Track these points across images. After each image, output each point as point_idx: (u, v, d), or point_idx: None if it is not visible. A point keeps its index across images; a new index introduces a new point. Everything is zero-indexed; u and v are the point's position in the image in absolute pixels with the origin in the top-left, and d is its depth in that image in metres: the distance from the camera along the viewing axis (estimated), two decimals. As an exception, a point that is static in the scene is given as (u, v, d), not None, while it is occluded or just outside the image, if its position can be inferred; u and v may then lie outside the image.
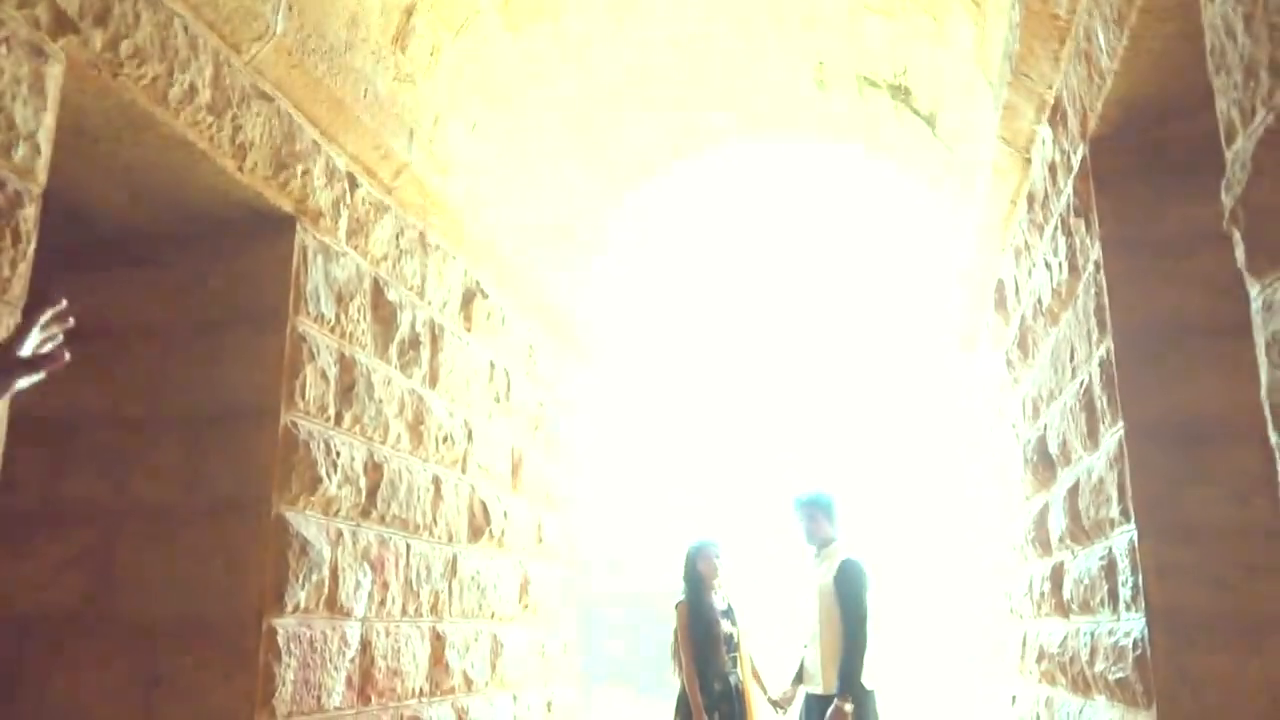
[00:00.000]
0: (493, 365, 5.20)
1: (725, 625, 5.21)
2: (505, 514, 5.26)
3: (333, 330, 3.60)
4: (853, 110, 6.12)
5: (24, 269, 2.28)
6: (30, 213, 2.30)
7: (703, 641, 5.07)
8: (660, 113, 6.23)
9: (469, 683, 4.70)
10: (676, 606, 5.33)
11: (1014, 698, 5.37)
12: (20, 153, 2.28)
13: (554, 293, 6.01)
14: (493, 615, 5.05)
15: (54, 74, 2.40)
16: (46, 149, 2.37)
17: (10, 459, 2.28)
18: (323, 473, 3.46)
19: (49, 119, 2.38)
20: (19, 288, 2.27)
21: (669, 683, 5.23)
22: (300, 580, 3.31)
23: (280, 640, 3.21)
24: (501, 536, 5.20)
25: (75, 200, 3.04)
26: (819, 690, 4.92)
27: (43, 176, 2.36)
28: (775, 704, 5.29)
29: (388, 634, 3.93)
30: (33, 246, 2.31)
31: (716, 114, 6.40)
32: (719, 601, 5.28)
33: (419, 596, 4.22)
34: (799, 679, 5.23)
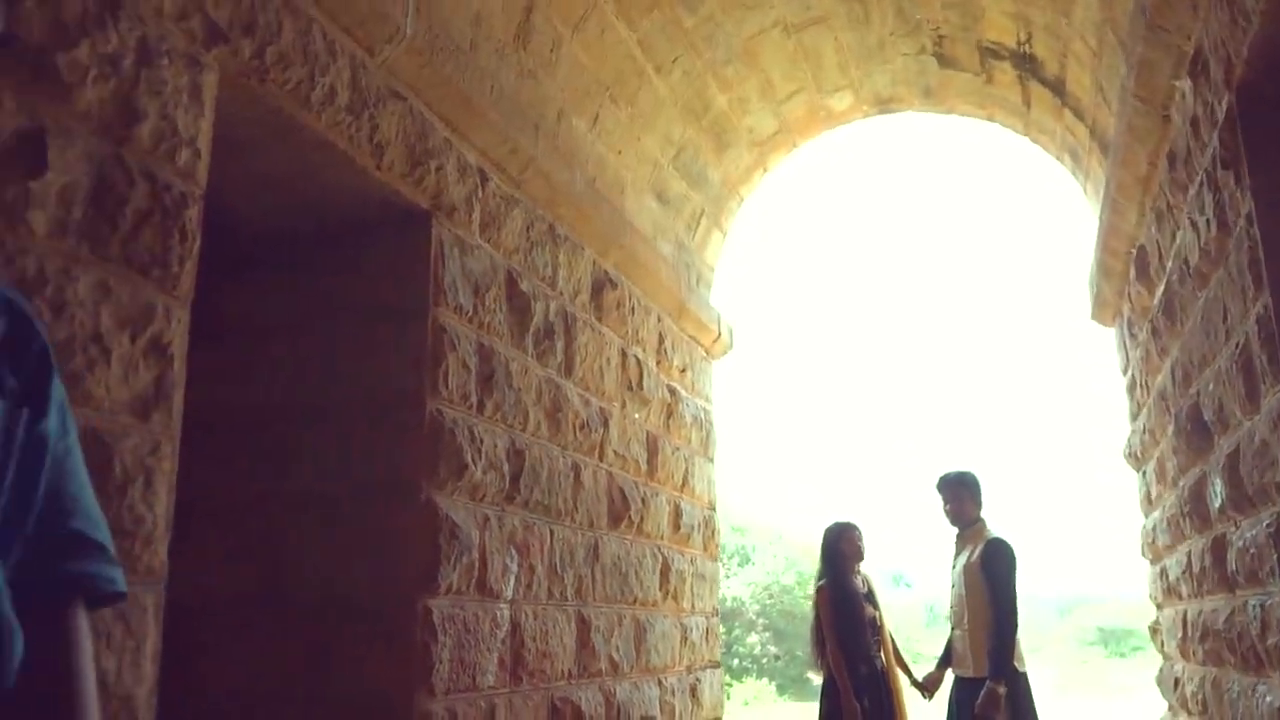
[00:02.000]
0: (624, 354, 5.26)
1: (868, 608, 5.15)
2: (643, 500, 5.31)
3: (471, 321, 3.70)
4: (975, 82, 5.97)
5: (191, 266, 2.42)
6: (194, 213, 2.44)
7: (848, 624, 5.02)
8: (777, 98, 6.20)
9: (615, 666, 4.76)
10: (817, 589, 5.29)
11: (1176, 681, 5.15)
12: (183, 157, 2.42)
13: (682, 280, 6.04)
14: (635, 601, 5.11)
15: (209, 82, 2.53)
16: (206, 153, 2.50)
17: (181, 457, 2.42)
18: (468, 459, 3.56)
19: (206, 125, 2.51)
20: (188, 284, 2.41)
21: (805, 680, 5.19)
22: (451, 563, 3.41)
23: (435, 620, 3.31)
24: (640, 523, 5.25)
25: (225, 206, 3.20)
26: (969, 673, 4.82)
27: (203, 179, 2.49)
28: (920, 687, 5.20)
29: (535, 616, 4.01)
30: (198, 244, 2.45)
31: (834, 95, 6.34)
32: (860, 584, 5.22)
33: (563, 580, 4.30)
34: (946, 661, 5.13)
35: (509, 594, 3.81)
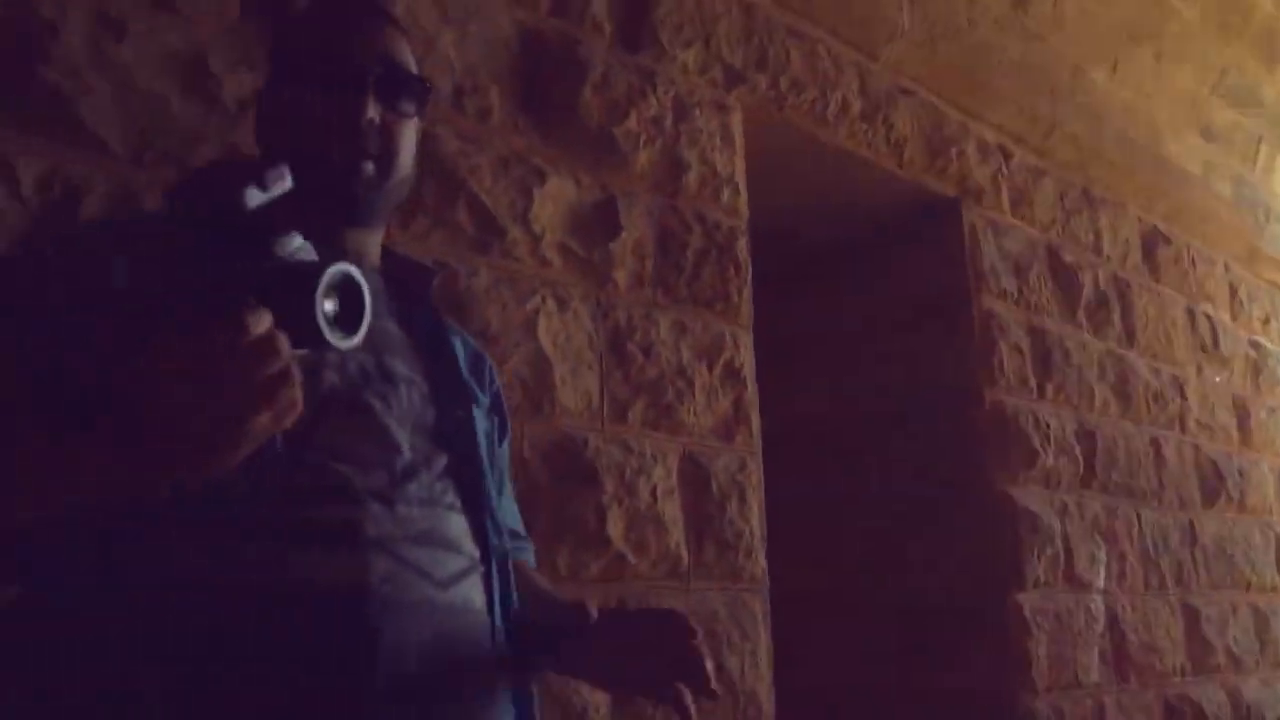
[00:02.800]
0: (1191, 313, 4.72)
1: None
2: (1240, 473, 4.70)
3: (1016, 303, 3.55)
4: None
5: (747, 293, 2.61)
6: (743, 244, 2.63)
7: None
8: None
9: (1235, 661, 4.24)
10: None
11: None
12: (725, 195, 2.62)
13: (1247, 220, 5.29)
14: (1248, 586, 4.52)
15: (736, 121, 2.72)
16: (743, 186, 2.69)
17: (767, 470, 2.60)
18: (1036, 446, 3.41)
19: (739, 160, 2.70)
20: (747, 311, 2.60)
21: None
22: (1035, 555, 3.28)
23: (1027, 615, 3.20)
24: (1241, 498, 4.65)
25: (762, 228, 3.39)
26: None
27: (744, 211, 2.68)
28: None
29: (1133, 608, 3.71)
30: (750, 273, 2.63)
31: None
32: None
33: (1159, 567, 3.93)
34: None
35: (1100, 584, 3.57)
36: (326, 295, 0.75)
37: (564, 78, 2.34)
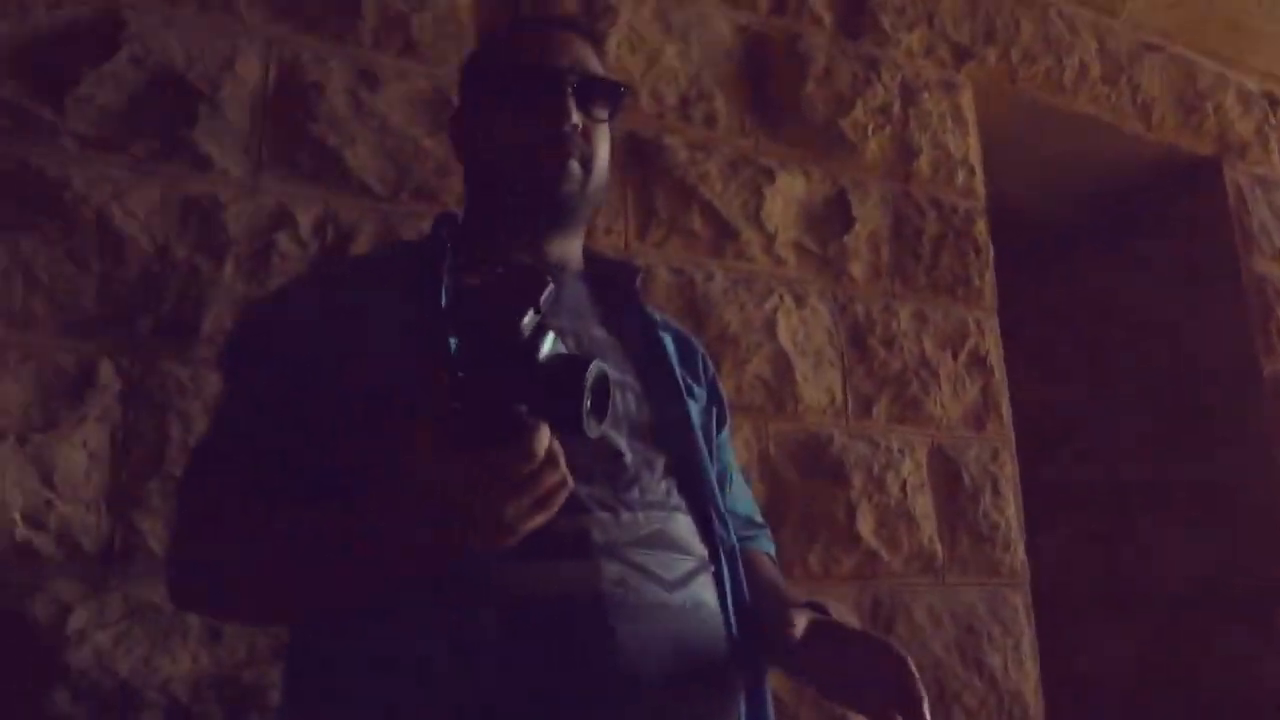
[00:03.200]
0: None
1: None
2: None
3: (1292, 264, 3.25)
4: None
5: (989, 277, 2.51)
6: (981, 226, 2.54)
7: None
8: None
9: None
10: None
11: None
12: (960, 177, 2.54)
13: None
14: None
15: (966, 100, 2.63)
16: (978, 167, 2.59)
17: (1024, 458, 2.50)
18: (1325, 420, 3.11)
19: (973, 140, 2.61)
20: (990, 294, 2.50)
21: None
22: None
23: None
24: None
25: (1003, 206, 3.25)
26: None
27: (981, 192, 2.58)
28: None
29: None
30: (991, 255, 2.53)
31: None
32: None
33: None
34: None
35: None
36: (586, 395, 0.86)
37: (786, 75, 2.34)
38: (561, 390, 0.85)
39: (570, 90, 1.15)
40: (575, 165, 1.15)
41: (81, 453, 1.45)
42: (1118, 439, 3.38)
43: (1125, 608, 3.30)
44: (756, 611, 1.16)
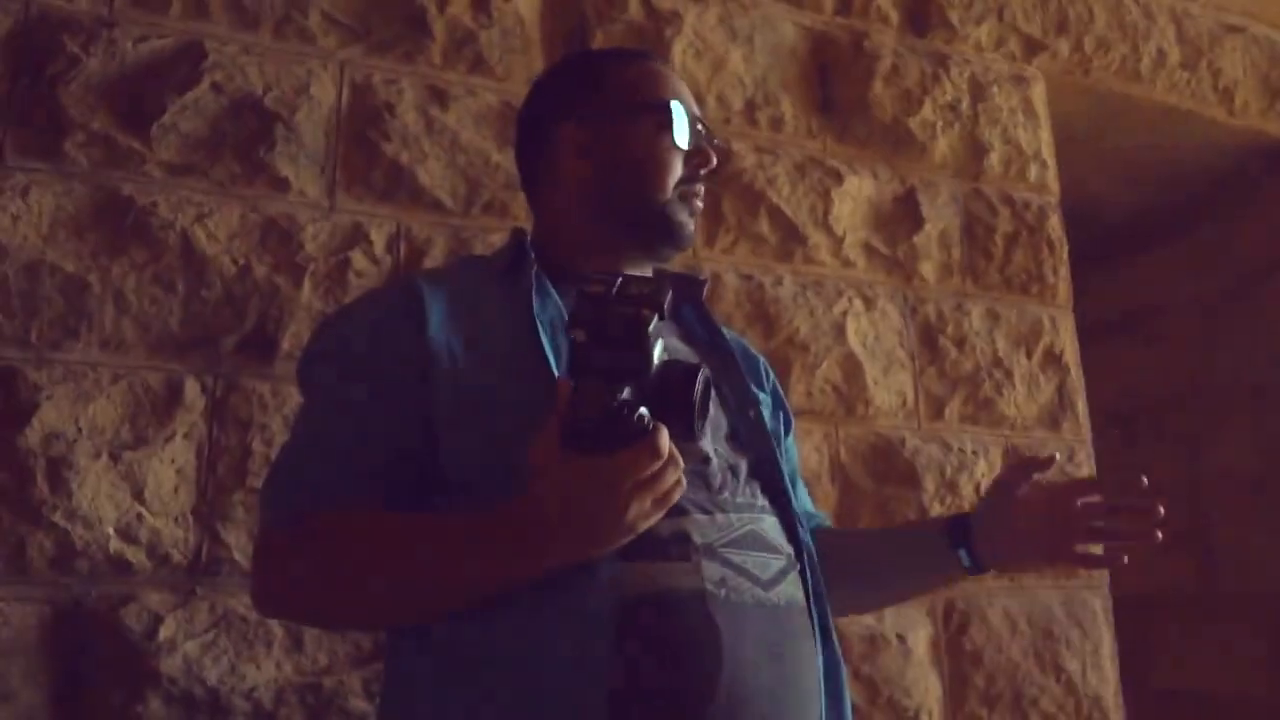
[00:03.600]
0: None
1: None
2: None
3: (1387, 251, 3.13)
4: None
5: (1064, 272, 2.47)
6: (1055, 221, 2.49)
7: None
8: None
9: None
10: None
11: None
12: (1033, 172, 2.49)
13: None
14: None
15: (1038, 93, 2.58)
16: (1051, 161, 2.55)
17: (1104, 453, 2.45)
18: None
19: (1045, 134, 2.56)
20: (1065, 290, 2.46)
21: None
22: None
23: None
24: None
25: (1079, 200, 3.19)
26: None
27: (1055, 186, 2.54)
28: None
29: None
30: (1066, 251, 2.49)
31: None
32: None
33: None
34: None
35: None
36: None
37: (853, 75, 2.32)
38: (675, 396, 0.93)
39: (711, 145, 1.26)
40: (700, 199, 1.26)
41: (170, 468, 1.51)
42: (1207, 436, 3.29)
43: (1210, 611, 3.21)
44: (894, 541, 1.35)
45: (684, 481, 0.95)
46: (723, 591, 1.02)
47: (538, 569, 0.96)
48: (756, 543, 1.09)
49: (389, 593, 1.02)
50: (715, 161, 1.25)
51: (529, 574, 0.97)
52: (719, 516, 1.07)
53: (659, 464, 0.91)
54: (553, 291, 1.16)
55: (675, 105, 1.22)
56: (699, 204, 1.24)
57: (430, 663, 1.04)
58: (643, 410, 0.90)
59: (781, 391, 1.42)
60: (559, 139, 1.25)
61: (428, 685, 1.04)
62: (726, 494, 1.10)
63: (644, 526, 0.94)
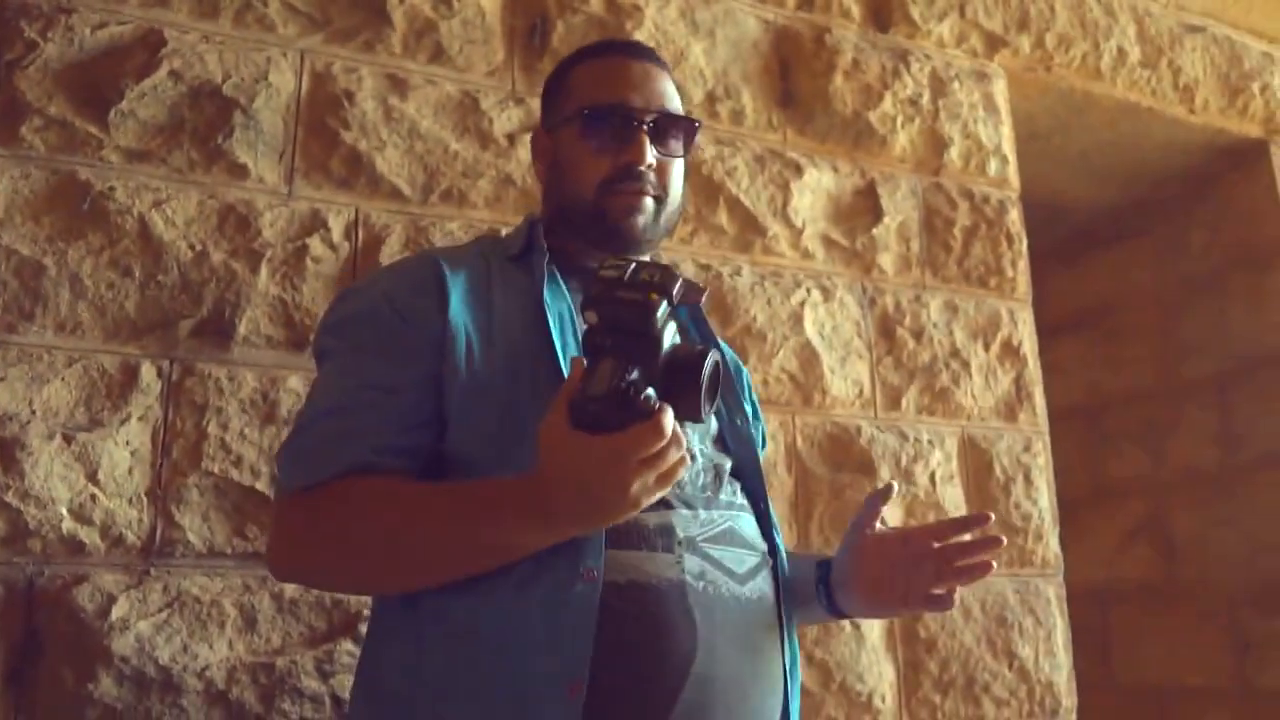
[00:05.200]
0: None
1: None
2: None
3: (1344, 248, 3.17)
4: None
5: (1023, 266, 2.51)
6: (1015, 215, 2.53)
7: None
8: None
9: None
10: None
11: None
12: (993, 166, 2.53)
13: None
14: None
15: (999, 89, 2.62)
16: (1012, 156, 2.58)
17: (1062, 448, 2.50)
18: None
19: (1006, 130, 2.59)
20: (1023, 284, 2.50)
21: None
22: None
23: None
24: None
25: (1041, 196, 3.23)
26: None
27: (1015, 181, 2.57)
28: None
29: None
30: (1025, 244, 2.52)
31: None
32: None
33: None
34: None
35: None
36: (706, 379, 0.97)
37: (814, 69, 2.35)
38: (684, 380, 0.97)
39: (647, 129, 1.24)
40: (649, 201, 1.25)
41: (124, 451, 1.52)
42: (1166, 429, 3.34)
43: (1169, 603, 3.26)
44: (794, 571, 1.30)
45: (687, 460, 0.98)
46: (701, 584, 1.08)
47: (544, 540, 1.01)
48: (734, 539, 1.15)
49: (402, 554, 1.06)
50: (648, 159, 1.23)
51: (535, 544, 1.02)
52: (701, 513, 1.13)
53: (663, 443, 0.93)
54: (562, 283, 1.22)
55: (592, 109, 1.25)
56: (636, 201, 1.24)
57: (414, 629, 1.09)
58: (649, 391, 0.94)
59: (757, 402, 1.48)
60: (534, 142, 1.37)
61: (410, 647, 1.09)
62: (709, 492, 1.16)
63: (647, 501, 0.97)
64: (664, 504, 1.07)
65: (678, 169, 1.30)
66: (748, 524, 1.19)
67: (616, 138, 1.24)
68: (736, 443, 1.27)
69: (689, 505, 1.12)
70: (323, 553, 1.09)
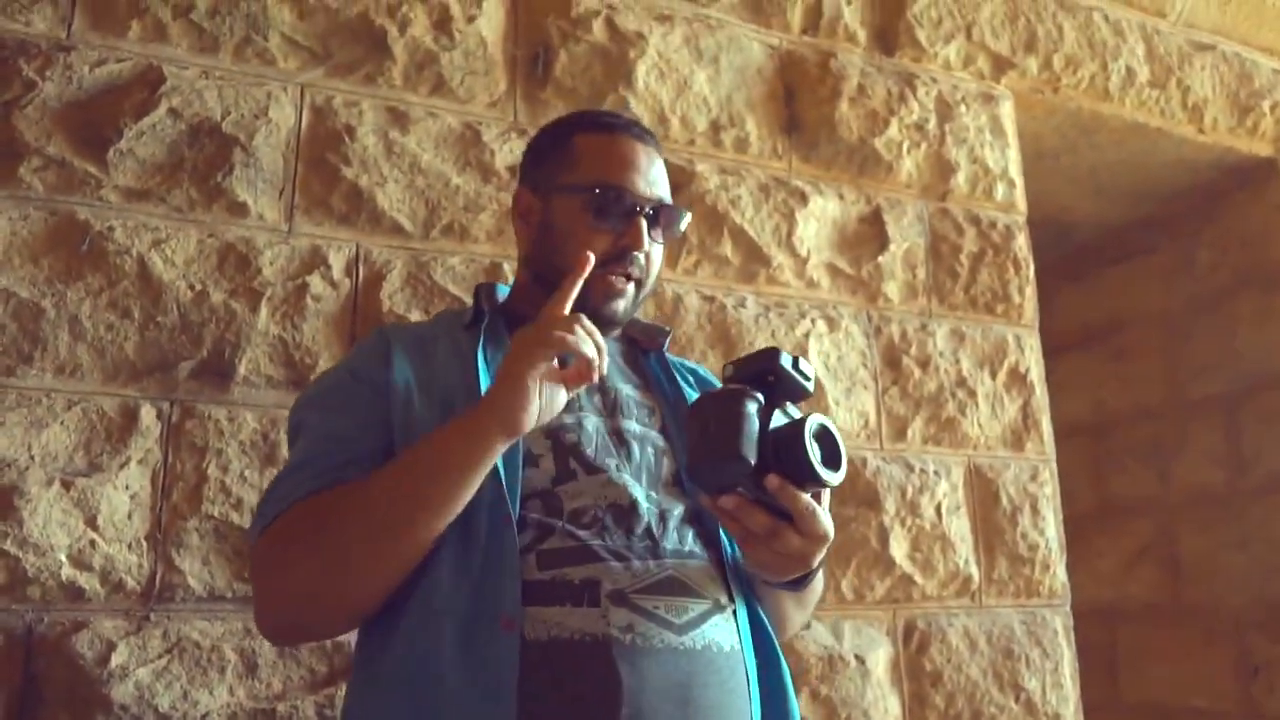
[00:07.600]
0: None
1: None
2: None
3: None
4: None
5: (1030, 291, 2.49)
6: (1022, 240, 2.51)
7: None
8: None
9: None
10: None
11: None
12: (1000, 191, 2.51)
13: None
14: None
15: (1006, 111, 2.60)
16: (1019, 179, 2.56)
17: (1068, 468, 2.47)
18: (1389, 428, 3.02)
19: (1013, 153, 2.57)
20: (1030, 309, 2.48)
21: None
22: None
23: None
24: None
25: (1051, 217, 3.21)
26: None
27: (1022, 205, 2.55)
28: None
29: None
30: (1032, 270, 2.50)
31: None
32: None
33: None
34: None
35: None
36: (811, 445, 1.05)
37: (819, 95, 2.33)
38: (791, 443, 1.05)
39: (647, 216, 1.28)
40: (631, 287, 1.29)
41: (124, 495, 1.51)
42: (1173, 449, 3.32)
43: (1175, 624, 3.23)
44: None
45: (587, 353, 1.06)
46: (629, 637, 1.06)
47: (477, 445, 1.05)
48: (676, 588, 1.12)
49: (374, 519, 1.06)
50: (646, 244, 1.27)
51: (470, 450, 1.05)
52: (636, 563, 1.11)
53: (556, 323, 1.04)
54: (507, 341, 1.24)
55: (602, 189, 1.26)
56: (622, 286, 1.27)
57: (358, 678, 1.15)
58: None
59: None
60: (516, 199, 1.38)
61: (354, 697, 1.15)
62: (649, 540, 1.14)
63: (534, 376, 1.04)
64: (592, 557, 1.09)
65: (659, 253, 1.34)
66: (697, 571, 1.15)
67: (619, 220, 1.27)
68: (692, 486, 1.24)
69: (619, 557, 1.11)
70: (299, 561, 1.09)
